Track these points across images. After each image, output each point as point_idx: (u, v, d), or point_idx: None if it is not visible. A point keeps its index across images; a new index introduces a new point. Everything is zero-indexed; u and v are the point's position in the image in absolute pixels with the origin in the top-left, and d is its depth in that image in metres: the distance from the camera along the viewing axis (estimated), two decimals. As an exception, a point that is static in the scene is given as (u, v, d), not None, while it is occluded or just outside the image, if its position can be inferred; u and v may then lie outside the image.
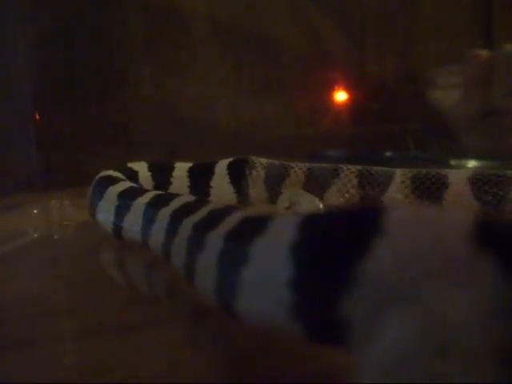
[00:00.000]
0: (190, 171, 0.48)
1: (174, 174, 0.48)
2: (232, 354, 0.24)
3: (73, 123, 0.70)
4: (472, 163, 0.69)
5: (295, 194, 0.43)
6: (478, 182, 0.44)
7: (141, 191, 0.36)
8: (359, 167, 0.49)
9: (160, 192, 0.36)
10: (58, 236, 0.47)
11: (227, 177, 0.47)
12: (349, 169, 0.48)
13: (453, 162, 0.70)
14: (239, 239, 0.20)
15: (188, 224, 0.25)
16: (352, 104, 0.85)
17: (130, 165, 0.48)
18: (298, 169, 0.48)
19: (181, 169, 0.48)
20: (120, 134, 0.74)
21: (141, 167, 0.48)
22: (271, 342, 0.23)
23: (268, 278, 0.18)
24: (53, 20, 0.69)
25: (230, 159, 0.49)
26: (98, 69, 0.72)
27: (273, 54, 0.80)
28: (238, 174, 0.48)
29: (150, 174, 0.47)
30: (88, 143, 0.71)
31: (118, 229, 0.37)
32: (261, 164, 0.49)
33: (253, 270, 0.19)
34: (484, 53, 0.72)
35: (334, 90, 0.85)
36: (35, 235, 0.46)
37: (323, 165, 0.50)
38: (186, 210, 0.28)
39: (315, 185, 0.48)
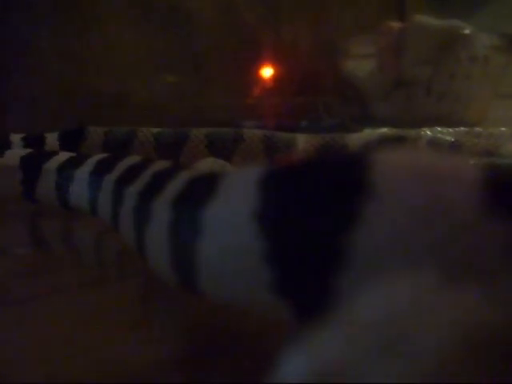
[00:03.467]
0: (25, 141, 0.44)
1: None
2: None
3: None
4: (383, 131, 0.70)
5: (214, 163, 0.39)
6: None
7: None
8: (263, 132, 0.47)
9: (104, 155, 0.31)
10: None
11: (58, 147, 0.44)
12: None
13: (365, 130, 0.71)
14: (188, 206, 0.17)
15: (132, 192, 0.22)
16: (269, 76, 0.84)
17: None
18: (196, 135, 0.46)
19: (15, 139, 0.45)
20: (26, 107, 0.70)
21: None
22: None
23: (234, 249, 0.15)
24: None
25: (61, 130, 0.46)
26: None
27: (187, 24, 0.78)
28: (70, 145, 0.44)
29: None
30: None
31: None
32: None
33: (212, 242, 0.16)
34: (396, 24, 0.73)
35: (250, 61, 0.84)
36: None
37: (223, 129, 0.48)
38: (130, 175, 0.24)
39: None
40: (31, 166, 0.34)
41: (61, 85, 0.71)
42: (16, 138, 0.44)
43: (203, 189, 0.17)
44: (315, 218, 0.13)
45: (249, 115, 0.80)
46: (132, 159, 0.27)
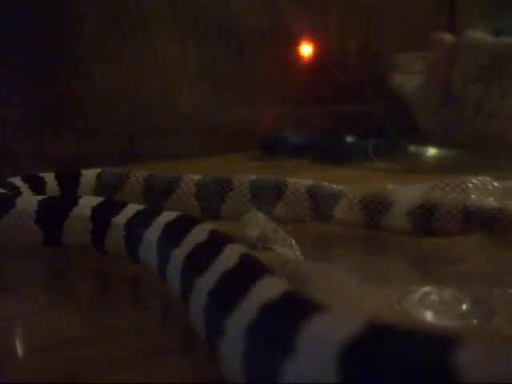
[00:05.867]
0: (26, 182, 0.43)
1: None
2: None
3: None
4: (431, 150, 0.69)
5: (266, 227, 0.34)
6: None
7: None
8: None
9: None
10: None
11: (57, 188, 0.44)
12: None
13: (412, 148, 0.70)
14: (265, 353, 0.17)
15: (203, 289, 0.22)
16: (313, 83, 0.84)
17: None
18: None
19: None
20: (77, 118, 0.71)
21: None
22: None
23: None
24: None
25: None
26: (51, 49, 0.69)
27: (233, 35, 0.78)
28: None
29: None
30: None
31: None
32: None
33: None
34: (448, 37, 0.71)
35: (295, 67, 0.84)
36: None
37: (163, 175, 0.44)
38: (198, 260, 0.24)
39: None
40: (101, 218, 0.34)
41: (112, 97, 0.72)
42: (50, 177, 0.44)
43: (281, 335, 0.17)
44: None
45: (294, 124, 0.80)
46: (199, 234, 0.26)
